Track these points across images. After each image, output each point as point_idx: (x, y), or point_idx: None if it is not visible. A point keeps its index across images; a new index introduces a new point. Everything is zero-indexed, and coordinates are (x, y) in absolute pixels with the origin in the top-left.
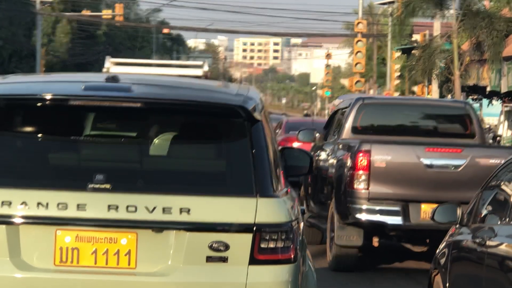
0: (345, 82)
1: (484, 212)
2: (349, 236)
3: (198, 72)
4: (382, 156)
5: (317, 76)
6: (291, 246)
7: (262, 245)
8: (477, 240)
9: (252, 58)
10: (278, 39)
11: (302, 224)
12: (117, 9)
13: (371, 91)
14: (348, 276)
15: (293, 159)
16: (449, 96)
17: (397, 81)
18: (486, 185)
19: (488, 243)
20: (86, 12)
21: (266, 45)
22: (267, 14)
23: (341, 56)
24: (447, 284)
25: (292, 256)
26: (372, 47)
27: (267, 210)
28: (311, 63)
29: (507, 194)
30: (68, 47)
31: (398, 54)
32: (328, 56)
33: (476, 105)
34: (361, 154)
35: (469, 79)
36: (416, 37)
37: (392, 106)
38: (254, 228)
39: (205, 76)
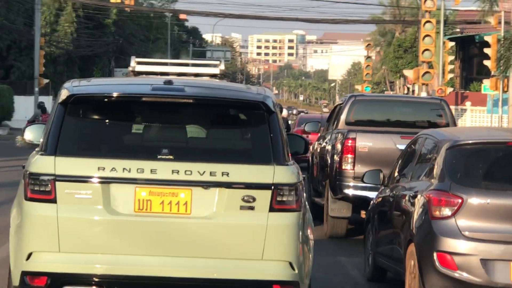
0: (408, 74)
1: (398, 174)
2: (340, 209)
3: (215, 70)
4: (365, 142)
5: (336, 72)
6: (298, 199)
7: (278, 198)
8: (390, 194)
9: (266, 54)
10: (293, 36)
11: (303, 185)
12: None
13: (416, 87)
14: (340, 242)
15: (293, 142)
16: None
17: (450, 75)
18: (401, 155)
19: (396, 195)
20: None
21: (280, 42)
22: None
23: (362, 51)
24: (374, 230)
25: (299, 206)
26: (416, 35)
27: (281, 173)
28: (330, 60)
29: (412, 160)
30: (73, 38)
31: (451, 44)
32: (369, 46)
33: None
34: (348, 141)
35: None
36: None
37: (379, 102)
38: (272, 187)
39: (222, 75)
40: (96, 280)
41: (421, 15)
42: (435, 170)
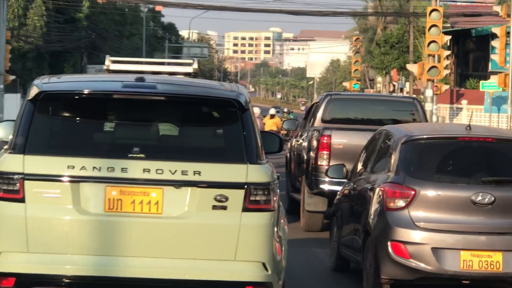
0: (413, 68)
1: (360, 168)
2: (316, 204)
3: (189, 69)
4: (340, 139)
5: (314, 70)
6: (271, 199)
7: (251, 198)
8: (352, 187)
9: (243, 52)
10: (270, 34)
11: (277, 184)
12: None
13: (407, 84)
14: (316, 235)
15: (267, 140)
16: None
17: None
18: (363, 149)
19: (356, 189)
20: None
21: (257, 39)
22: None
23: (341, 48)
24: (337, 222)
25: (272, 206)
26: (406, 29)
27: (255, 173)
28: (308, 57)
29: (372, 154)
30: (42, 32)
31: (446, 38)
32: (357, 40)
33: None
34: (324, 138)
35: None
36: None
37: (354, 101)
38: (245, 186)
39: (195, 73)
40: (66, 281)
41: (412, 7)
42: (391, 164)
